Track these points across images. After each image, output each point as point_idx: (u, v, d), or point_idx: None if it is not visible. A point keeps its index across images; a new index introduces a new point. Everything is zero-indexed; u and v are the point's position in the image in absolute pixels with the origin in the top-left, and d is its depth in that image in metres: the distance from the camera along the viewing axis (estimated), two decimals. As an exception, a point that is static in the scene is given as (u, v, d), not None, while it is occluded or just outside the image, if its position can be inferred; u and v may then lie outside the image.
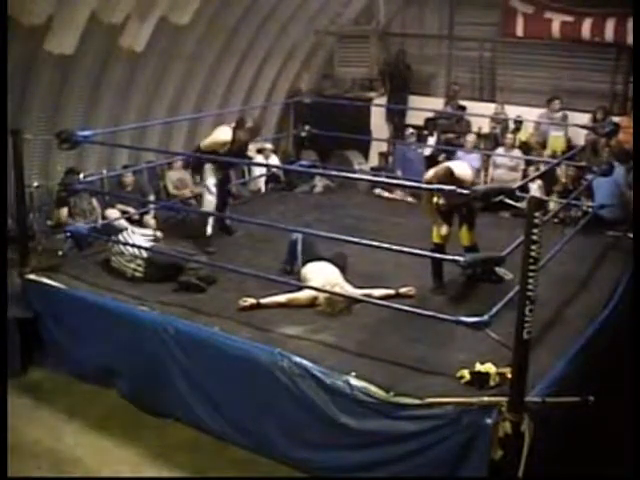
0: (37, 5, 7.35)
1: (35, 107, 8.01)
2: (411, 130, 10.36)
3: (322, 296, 5.29)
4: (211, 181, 6.59)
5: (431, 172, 5.71)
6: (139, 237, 6.13)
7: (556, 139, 9.81)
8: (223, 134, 6.53)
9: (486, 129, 10.34)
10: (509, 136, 9.58)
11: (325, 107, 9.88)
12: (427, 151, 10.36)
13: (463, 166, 5.86)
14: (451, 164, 5.94)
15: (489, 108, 10.39)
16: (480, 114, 10.24)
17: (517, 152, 9.57)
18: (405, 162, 9.91)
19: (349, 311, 5.29)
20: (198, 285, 5.64)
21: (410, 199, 8.83)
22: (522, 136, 10.07)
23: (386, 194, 9.04)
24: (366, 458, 4.37)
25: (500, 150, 9.66)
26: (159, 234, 6.60)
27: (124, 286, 5.76)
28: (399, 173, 9.72)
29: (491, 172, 9.64)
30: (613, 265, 6.39)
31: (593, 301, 5.56)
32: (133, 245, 5.96)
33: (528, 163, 9.36)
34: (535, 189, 8.47)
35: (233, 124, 6.62)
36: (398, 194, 9.04)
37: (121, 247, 5.98)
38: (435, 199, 5.66)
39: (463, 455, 4.03)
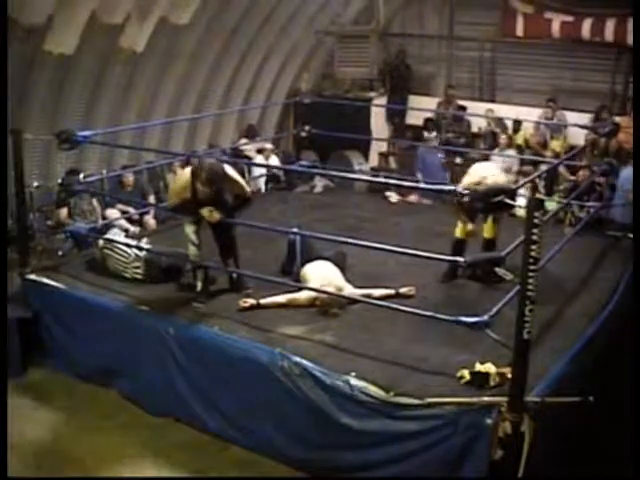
0: (37, 5, 7.35)
1: (35, 107, 8.00)
2: (434, 134, 10.30)
3: (322, 296, 5.30)
4: (189, 229, 5.48)
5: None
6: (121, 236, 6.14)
7: (555, 140, 9.82)
8: (179, 182, 5.56)
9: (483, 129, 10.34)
10: (503, 136, 9.48)
11: (325, 107, 9.87)
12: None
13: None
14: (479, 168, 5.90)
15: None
16: (480, 114, 10.25)
17: (512, 153, 9.49)
18: (425, 166, 9.66)
19: (343, 310, 5.28)
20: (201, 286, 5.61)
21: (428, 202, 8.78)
22: (520, 137, 10.08)
23: (394, 198, 8.92)
24: (366, 458, 4.37)
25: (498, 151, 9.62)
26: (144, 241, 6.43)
27: (124, 286, 5.76)
28: (419, 176, 9.50)
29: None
30: (613, 265, 6.39)
31: (593, 301, 5.56)
32: (130, 246, 5.96)
33: (523, 163, 9.31)
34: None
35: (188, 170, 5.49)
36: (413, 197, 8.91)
37: (117, 250, 5.98)
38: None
39: (463, 455, 4.03)
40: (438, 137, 10.28)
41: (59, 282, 5.82)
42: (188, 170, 5.47)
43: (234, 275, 5.70)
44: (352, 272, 5.77)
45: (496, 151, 9.55)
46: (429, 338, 4.82)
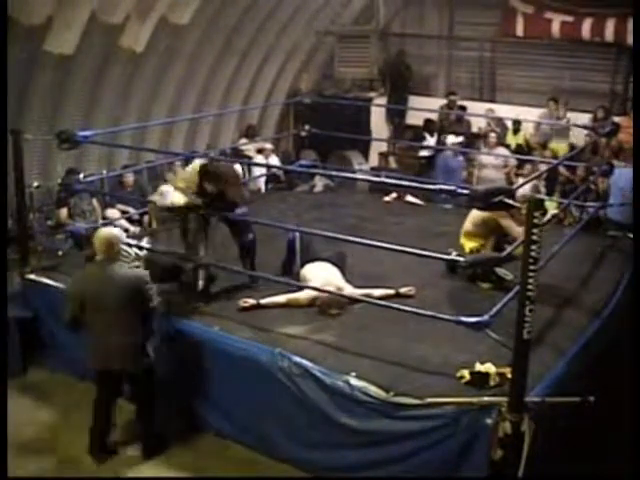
0: (37, 5, 7.36)
1: (35, 107, 8.01)
2: (459, 139, 10.28)
3: (322, 296, 5.29)
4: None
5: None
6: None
7: (558, 145, 9.80)
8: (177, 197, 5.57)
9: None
10: (492, 135, 9.41)
11: (325, 107, 9.88)
12: (426, 152, 10.37)
13: None
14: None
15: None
16: (480, 114, 10.26)
17: (502, 150, 9.47)
18: (447, 171, 9.57)
19: (343, 310, 5.28)
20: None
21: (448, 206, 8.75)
22: (521, 137, 10.07)
23: (388, 197, 8.88)
24: (366, 458, 4.36)
25: (500, 150, 9.60)
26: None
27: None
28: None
29: (477, 172, 9.53)
30: (613, 265, 6.38)
31: (593, 301, 5.56)
32: (131, 245, 5.95)
33: (520, 163, 9.30)
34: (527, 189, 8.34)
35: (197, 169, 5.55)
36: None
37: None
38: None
39: (463, 455, 4.03)
40: (463, 144, 10.22)
41: (59, 282, 5.81)
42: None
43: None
44: (352, 272, 5.77)
45: (485, 150, 9.53)
46: (429, 338, 4.82)
